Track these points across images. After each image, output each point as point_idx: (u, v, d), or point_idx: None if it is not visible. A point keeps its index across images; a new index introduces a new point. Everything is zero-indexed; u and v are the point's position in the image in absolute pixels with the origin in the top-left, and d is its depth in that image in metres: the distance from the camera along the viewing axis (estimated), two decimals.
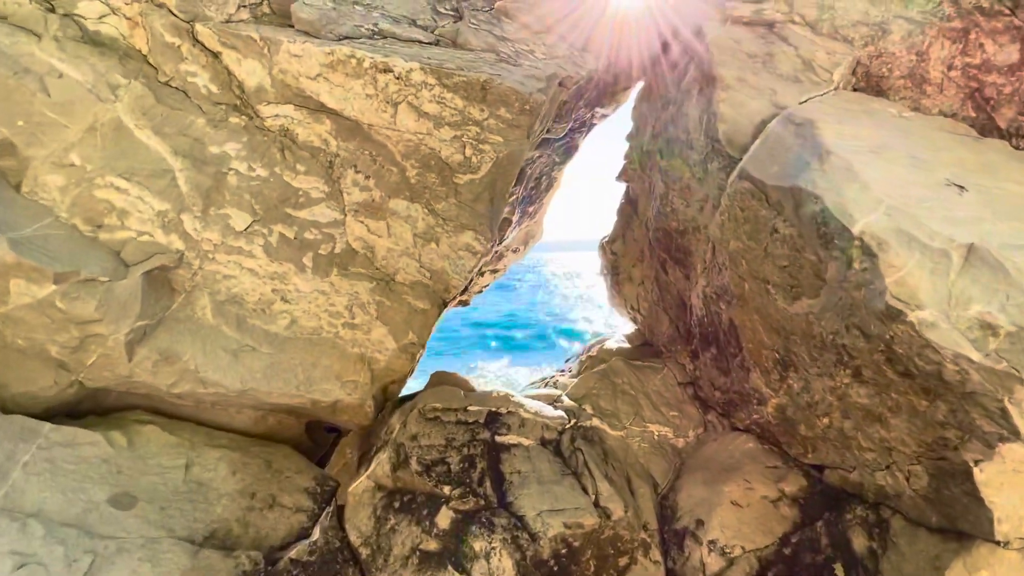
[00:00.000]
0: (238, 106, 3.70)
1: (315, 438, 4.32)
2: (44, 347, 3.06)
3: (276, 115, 3.73)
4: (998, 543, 2.65)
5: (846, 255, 2.72)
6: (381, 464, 3.48)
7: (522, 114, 3.79)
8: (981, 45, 3.48)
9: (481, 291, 8.11)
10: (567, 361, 6.38)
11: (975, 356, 2.25)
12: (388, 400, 4.11)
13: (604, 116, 5.73)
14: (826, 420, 3.35)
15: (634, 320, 5.64)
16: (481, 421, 3.68)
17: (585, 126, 5.68)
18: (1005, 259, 2.28)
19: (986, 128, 3.56)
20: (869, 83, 4.00)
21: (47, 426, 2.99)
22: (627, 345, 5.53)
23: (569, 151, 5.96)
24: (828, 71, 3.81)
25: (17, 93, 3.14)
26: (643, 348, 5.37)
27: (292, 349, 3.68)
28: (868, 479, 3.26)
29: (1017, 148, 3.42)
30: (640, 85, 5.39)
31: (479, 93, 3.70)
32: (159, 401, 3.58)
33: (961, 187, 2.75)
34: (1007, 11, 3.34)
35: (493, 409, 3.79)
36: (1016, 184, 2.88)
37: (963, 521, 2.76)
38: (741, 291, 3.60)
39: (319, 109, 3.76)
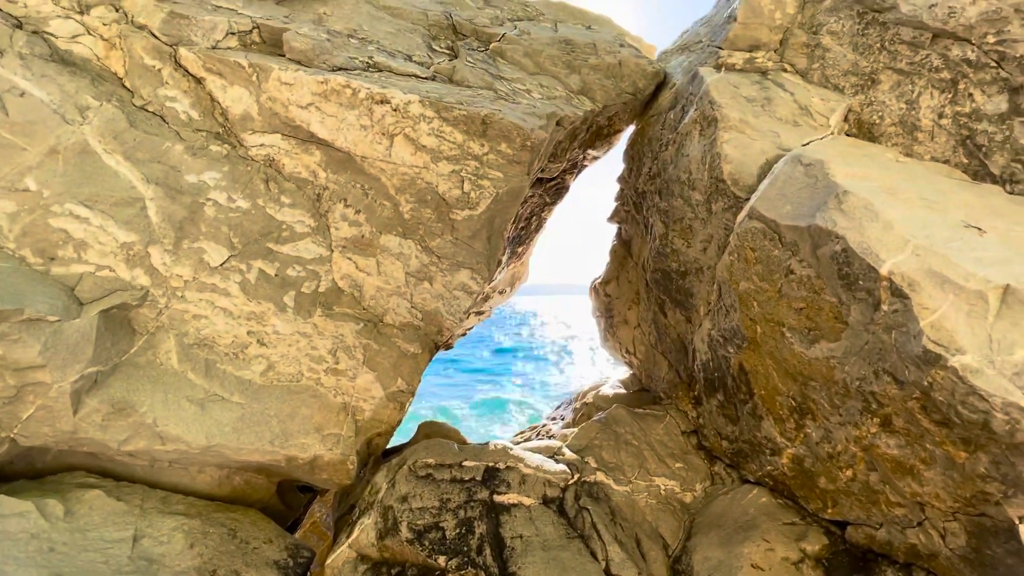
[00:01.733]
0: (220, 134, 3.46)
1: (287, 500, 3.84)
2: None
3: (262, 144, 3.49)
4: None
5: (872, 296, 2.60)
6: (366, 530, 3.06)
7: (523, 150, 3.66)
8: (970, 95, 3.58)
9: (465, 334, 7.81)
10: (557, 408, 6.06)
11: None
12: (372, 455, 3.71)
13: (595, 158, 5.71)
14: (849, 472, 3.15)
15: (630, 364, 5.42)
16: (478, 478, 3.32)
17: (576, 167, 5.64)
18: None
19: (979, 174, 3.62)
20: (861, 130, 4.06)
21: None
22: (623, 391, 5.29)
23: (559, 192, 5.89)
24: (825, 116, 3.86)
25: None
26: (640, 394, 5.13)
27: (267, 398, 3.29)
28: (898, 537, 3.03)
29: (1012, 193, 3.47)
30: (632, 128, 5.42)
31: (480, 127, 3.57)
32: (107, 460, 3.11)
33: (980, 229, 2.71)
34: (994, 63, 3.46)
35: (491, 464, 3.44)
36: None
37: None
38: (753, 334, 3.44)
39: (309, 139, 3.54)
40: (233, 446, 3.11)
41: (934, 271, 2.39)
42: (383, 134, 3.51)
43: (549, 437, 5.14)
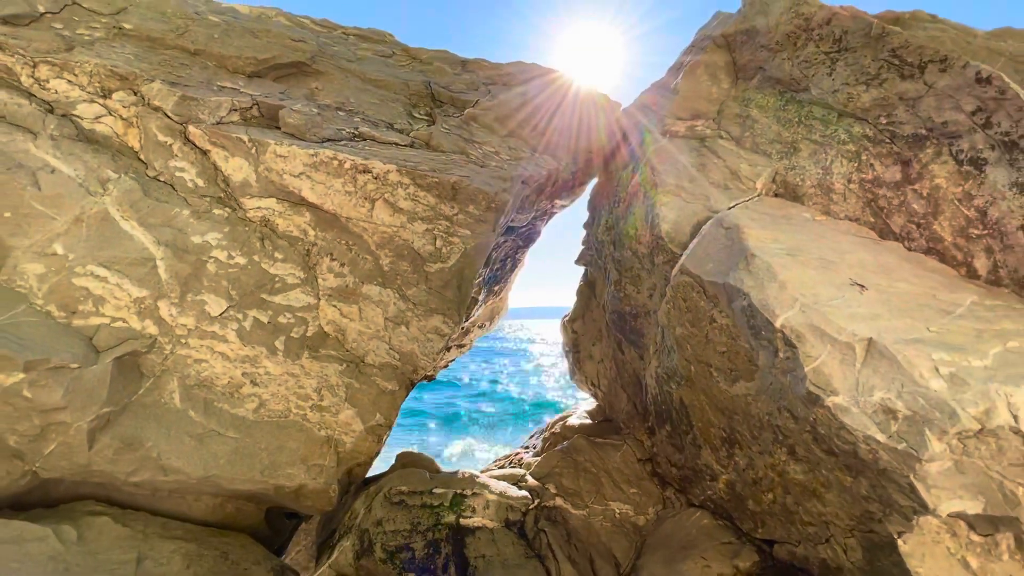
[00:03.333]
0: (222, 199, 3.95)
1: (274, 525, 4.21)
2: (1, 437, 3.01)
3: (258, 207, 3.99)
4: None
5: (772, 344, 3.10)
6: (344, 552, 3.44)
7: (488, 211, 4.19)
8: (872, 164, 4.17)
9: (447, 366, 8.23)
10: (531, 437, 6.48)
11: (880, 437, 2.58)
12: (352, 483, 4.11)
13: (563, 207, 6.27)
14: (771, 495, 3.60)
15: (595, 396, 5.87)
16: (446, 504, 3.73)
17: (546, 215, 6.19)
18: (897, 352, 2.69)
19: (884, 231, 4.19)
20: (787, 190, 4.65)
21: None
22: (589, 421, 5.72)
23: (531, 236, 6.43)
24: (752, 180, 4.44)
25: (7, 187, 3.30)
26: (604, 424, 5.56)
27: (258, 432, 3.70)
28: (812, 552, 3.46)
29: (909, 249, 4.03)
30: (595, 181, 6.00)
31: (450, 192, 4.10)
32: (114, 490, 3.49)
33: (862, 286, 3.24)
34: (888, 140, 4.06)
35: (458, 491, 3.85)
36: (907, 283, 3.40)
37: None
38: (688, 373, 3.93)
39: (300, 202, 4.05)
40: (227, 476, 3.51)
41: (815, 325, 2.90)
42: (365, 198, 4.02)
43: (520, 464, 5.54)
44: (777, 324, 3.01)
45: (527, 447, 6.28)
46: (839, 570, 3.33)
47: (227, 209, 3.92)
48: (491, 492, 3.92)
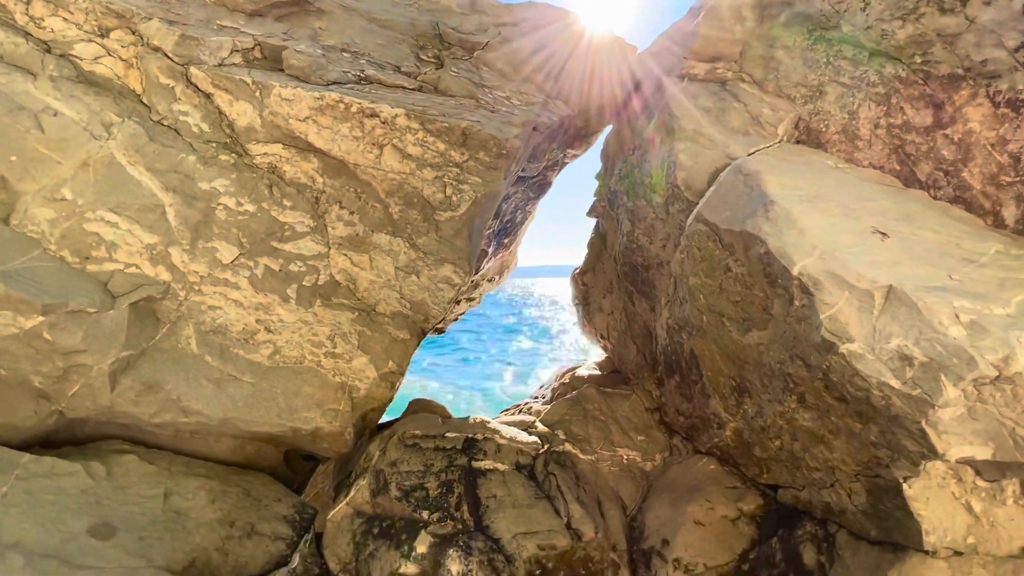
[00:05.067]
0: (228, 144, 3.87)
1: (293, 466, 4.36)
2: (27, 378, 3.09)
3: (265, 153, 3.91)
4: (927, 553, 2.94)
5: (788, 293, 3.06)
6: (360, 490, 3.57)
7: (499, 157, 4.08)
8: (902, 108, 3.98)
9: (457, 319, 8.30)
10: (540, 388, 6.58)
11: (895, 383, 2.57)
12: (367, 428, 4.22)
13: (575, 156, 6.11)
14: (778, 442, 3.65)
15: (604, 348, 5.91)
16: (459, 447, 3.83)
17: (557, 164, 6.04)
18: (918, 299, 2.64)
19: (909, 180, 4.04)
20: (810, 137, 4.47)
21: (26, 456, 3.00)
22: (598, 372, 5.78)
23: (542, 187, 6.31)
24: (773, 126, 4.26)
25: (11, 130, 3.25)
26: (613, 375, 5.63)
27: (274, 378, 3.78)
28: (816, 497, 3.54)
29: (935, 198, 3.90)
30: (608, 129, 5.81)
31: (460, 138, 3.98)
32: (137, 431, 3.61)
33: (884, 234, 3.15)
34: (921, 81, 3.85)
35: (470, 435, 3.94)
36: (931, 232, 3.30)
37: (897, 533, 3.06)
38: (700, 323, 3.91)
39: (307, 148, 3.96)
40: (246, 419, 3.61)
41: (833, 272, 2.84)
42: (373, 144, 3.93)
43: (529, 413, 5.65)
44: (794, 271, 2.95)
45: (535, 397, 6.39)
46: (842, 512, 3.41)
47: (233, 155, 3.85)
48: (502, 437, 4.01)
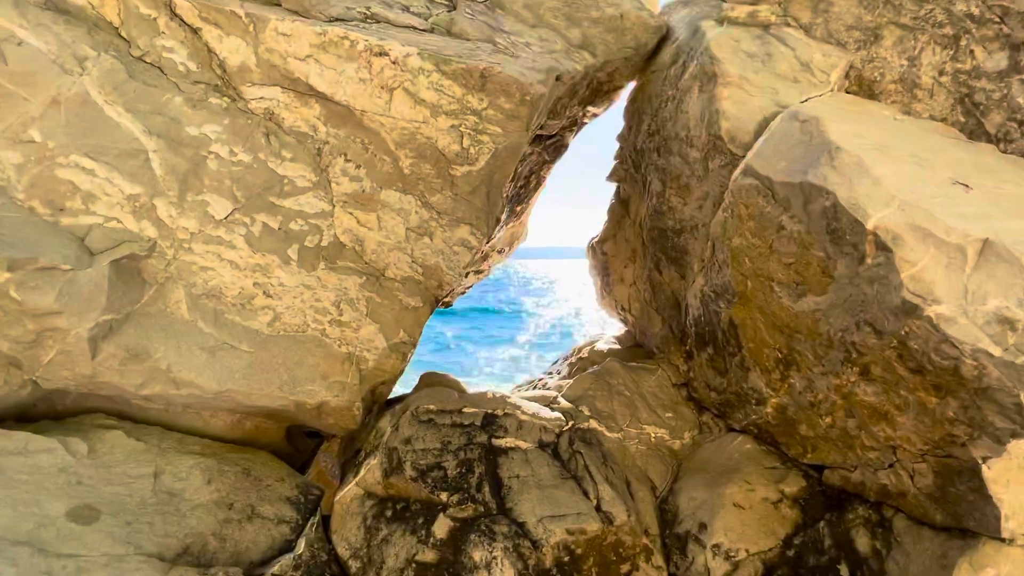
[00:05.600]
0: (219, 86, 3.45)
1: (295, 444, 4.05)
2: None
3: (261, 97, 3.49)
4: (1004, 540, 2.64)
5: (858, 251, 2.70)
6: (371, 470, 3.25)
7: (522, 105, 3.67)
8: (971, 51, 3.56)
9: (464, 292, 7.94)
10: (554, 363, 6.26)
11: (995, 351, 2.23)
12: (376, 402, 3.89)
13: (595, 115, 5.68)
14: (829, 419, 3.33)
15: (624, 321, 5.57)
16: (478, 423, 3.51)
17: (576, 124, 5.62)
18: (1021, 254, 2.28)
19: (975, 133, 3.65)
20: (861, 87, 4.05)
21: None
22: (617, 346, 5.46)
23: (559, 149, 5.89)
24: (825, 72, 3.85)
25: None
26: (634, 349, 5.30)
27: (275, 347, 3.43)
28: (870, 478, 3.24)
29: (1005, 152, 3.51)
30: (632, 85, 5.36)
31: (479, 81, 3.57)
32: (124, 404, 3.27)
33: (966, 186, 2.78)
34: (997, 18, 3.43)
35: (490, 411, 3.62)
36: (1014, 185, 2.92)
37: (968, 519, 2.75)
38: (743, 289, 3.56)
39: (308, 92, 3.54)
40: (244, 391, 3.27)
41: (917, 226, 2.47)
42: (382, 87, 3.51)
43: (546, 388, 5.34)
44: (869, 225, 2.59)
45: (550, 372, 6.08)
46: (901, 495, 3.11)
47: (225, 99, 3.43)
48: (524, 413, 3.69)
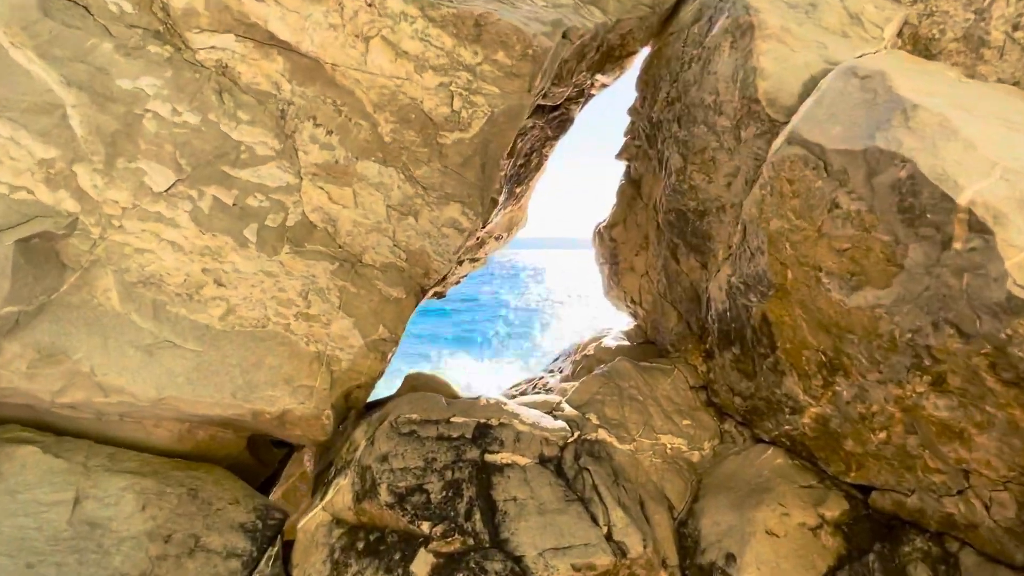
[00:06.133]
0: (161, 33, 2.87)
1: (260, 455, 3.53)
2: None
3: (212, 47, 2.92)
4: None
5: (942, 233, 2.16)
6: (341, 492, 2.74)
7: (524, 60, 3.10)
8: None
9: (459, 282, 7.40)
10: (555, 360, 5.74)
11: None
12: (352, 408, 3.36)
13: (604, 85, 5.10)
14: (883, 435, 2.82)
15: (634, 315, 5.05)
16: (468, 436, 2.99)
17: (583, 95, 5.04)
18: None
19: None
20: (916, 46, 3.49)
21: None
22: (627, 343, 4.94)
23: (563, 124, 5.31)
24: (878, 27, 3.28)
25: None
26: (645, 347, 4.78)
27: (228, 345, 2.89)
28: (932, 505, 2.74)
29: None
30: (647, 51, 4.79)
31: (472, 31, 3.00)
32: (45, 413, 2.74)
33: None
34: None
35: (483, 420, 3.10)
36: None
37: None
38: (782, 281, 3.02)
39: (268, 42, 2.97)
40: (188, 399, 2.73)
41: None
42: (356, 36, 2.94)
43: (547, 391, 4.82)
44: (961, 200, 2.05)
45: (551, 370, 5.56)
46: (971, 527, 2.61)
47: (168, 47, 2.86)
48: (522, 422, 3.17)
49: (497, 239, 6.77)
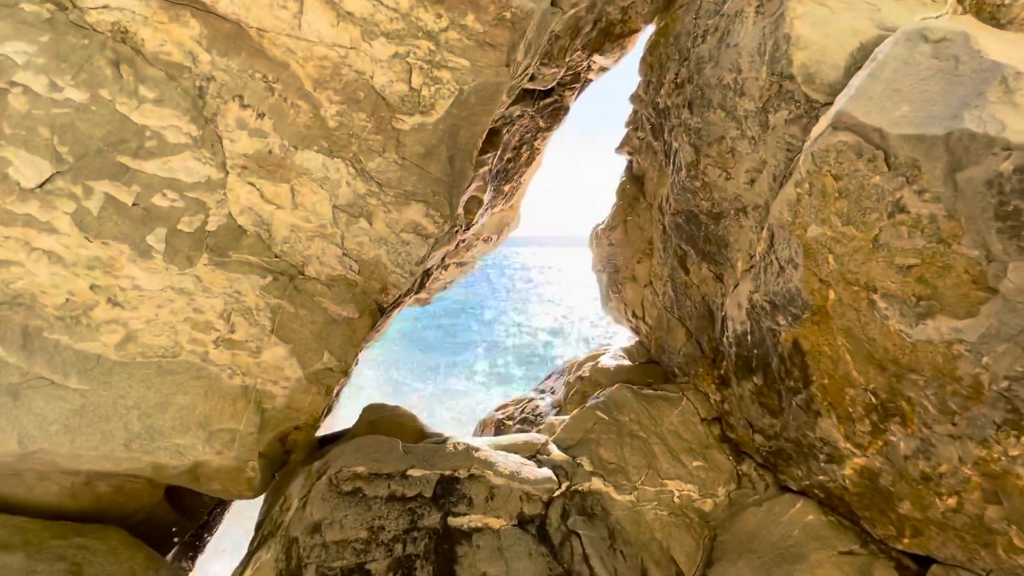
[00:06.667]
0: None
1: (184, 502, 2.94)
2: None
3: (105, 5, 2.32)
4: None
5: None
6: (261, 570, 2.15)
7: (499, 26, 2.50)
8: None
9: (445, 287, 6.80)
10: (547, 379, 5.14)
11: None
12: (290, 453, 2.77)
13: (603, 69, 4.49)
14: (952, 501, 2.21)
15: (636, 330, 4.44)
16: (428, 495, 2.39)
17: (579, 80, 4.43)
18: None
19: None
20: (980, 15, 2.87)
21: None
22: (627, 362, 4.34)
23: (557, 113, 4.70)
24: None
25: None
26: (648, 367, 4.18)
27: (124, 382, 2.30)
28: None
29: None
30: (652, 29, 4.17)
31: None
32: None
33: None
34: None
35: (447, 472, 2.50)
36: None
37: None
38: (821, 301, 2.42)
39: (179, 1, 2.37)
40: (65, 452, 2.15)
41: None
42: None
43: (535, 416, 4.22)
44: None
45: (541, 390, 4.96)
46: None
47: (49, 5, 2.26)
48: (497, 474, 2.57)
49: (486, 241, 6.16)
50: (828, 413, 2.61)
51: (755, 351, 2.99)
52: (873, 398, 2.36)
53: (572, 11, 3.26)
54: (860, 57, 2.33)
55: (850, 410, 2.50)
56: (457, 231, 4.37)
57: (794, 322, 2.61)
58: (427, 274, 2.97)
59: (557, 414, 4.12)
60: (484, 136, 2.86)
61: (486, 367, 18.96)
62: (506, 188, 5.24)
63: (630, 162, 4.53)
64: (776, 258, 2.67)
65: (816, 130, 2.31)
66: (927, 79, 1.98)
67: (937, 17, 2.58)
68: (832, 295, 2.35)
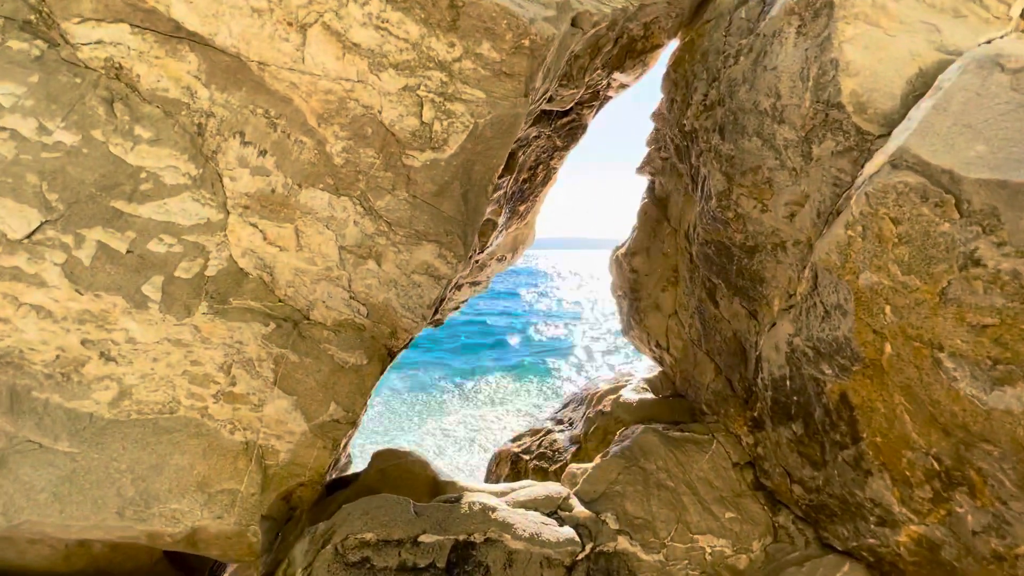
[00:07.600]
0: (31, 23, 2.15)
1: (185, 561, 2.79)
2: None
3: (99, 41, 2.19)
4: None
5: None
6: None
7: (517, 54, 2.31)
8: None
9: (457, 308, 6.63)
10: (565, 407, 4.93)
11: None
12: (295, 510, 2.60)
13: (623, 86, 4.28)
14: None
15: (660, 361, 4.21)
16: (441, 564, 2.21)
17: (598, 98, 4.22)
18: None
19: None
20: None
21: None
22: (650, 395, 4.11)
23: (573, 132, 4.50)
24: (1004, 3, 2.41)
25: None
26: (673, 401, 3.95)
27: (117, 443, 2.15)
28: None
29: None
30: (676, 44, 3.95)
31: (447, 15, 2.21)
32: None
33: None
34: None
35: (463, 537, 2.31)
36: None
37: None
38: (875, 355, 2.18)
39: (175, 34, 2.23)
40: (53, 522, 2.00)
41: None
42: (289, 24, 2.17)
43: (553, 451, 4.02)
44: None
45: (559, 420, 4.75)
46: None
47: (40, 42, 2.13)
48: (516, 537, 2.37)
49: (500, 260, 5.98)
50: (880, 473, 2.37)
51: (795, 398, 2.75)
52: (936, 464, 2.12)
53: (593, 31, 3.07)
54: (919, 84, 2.10)
55: (907, 473, 2.25)
56: (471, 256, 4.19)
57: (842, 373, 2.37)
58: (440, 299, 2.80)
59: (576, 452, 3.91)
60: (500, 169, 2.68)
61: None
62: (521, 208, 5.06)
63: (652, 183, 4.31)
64: (821, 301, 2.43)
65: (871, 167, 2.08)
66: (1006, 114, 1.74)
67: (1002, 37, 2.33)
68: (889, 349, 2.11)
